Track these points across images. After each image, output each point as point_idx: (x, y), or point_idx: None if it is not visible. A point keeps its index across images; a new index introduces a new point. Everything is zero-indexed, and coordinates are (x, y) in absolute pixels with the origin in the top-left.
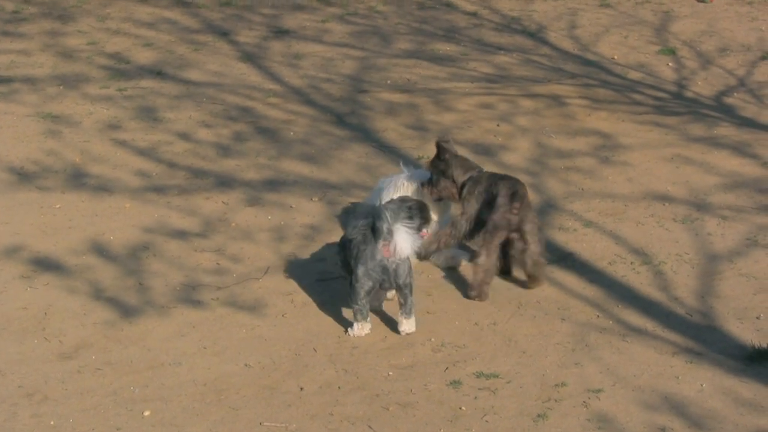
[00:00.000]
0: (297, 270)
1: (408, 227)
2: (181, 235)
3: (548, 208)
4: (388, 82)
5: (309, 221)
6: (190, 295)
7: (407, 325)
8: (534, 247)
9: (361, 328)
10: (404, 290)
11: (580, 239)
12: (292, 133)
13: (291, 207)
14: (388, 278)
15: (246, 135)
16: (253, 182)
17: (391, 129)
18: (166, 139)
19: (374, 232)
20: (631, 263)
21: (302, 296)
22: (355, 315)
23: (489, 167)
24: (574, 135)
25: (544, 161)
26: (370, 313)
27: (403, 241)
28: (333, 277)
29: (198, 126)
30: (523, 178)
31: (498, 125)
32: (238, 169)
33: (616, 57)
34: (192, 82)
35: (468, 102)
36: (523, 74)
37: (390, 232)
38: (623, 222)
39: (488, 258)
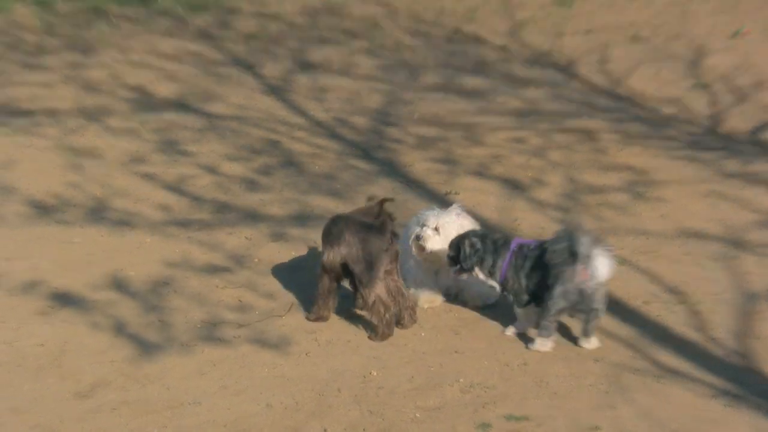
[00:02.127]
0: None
1: (606, 252)
2: (203, 270)
3: None
4: (416, 116)
5: None
6: (211, 333)
7: (593, 342)
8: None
9: (543, 344)
10: (595, 314)
11: (614, 277)
12: (317, 167)
13: (315, 242)
14: (583, 301)
15: (271, 169)
16: (277, 217)
17: (418, 163)
18: (189, 173)
19: (574, 255)
20: (667, 302)
21: (326, 334)
22: (540, 331)
23: (519, 203)
24: (607, 170)
25: (576, 197)
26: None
27: (602, 266)
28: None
29: (222, 159)
30: (554, 214)
31: (529, 160)
32: (262, 204)
33: (647, 92)
34: (216, 116)
35: (498, 136)
36: (554, 109)
37: (589, 257)
38: (658, 260)
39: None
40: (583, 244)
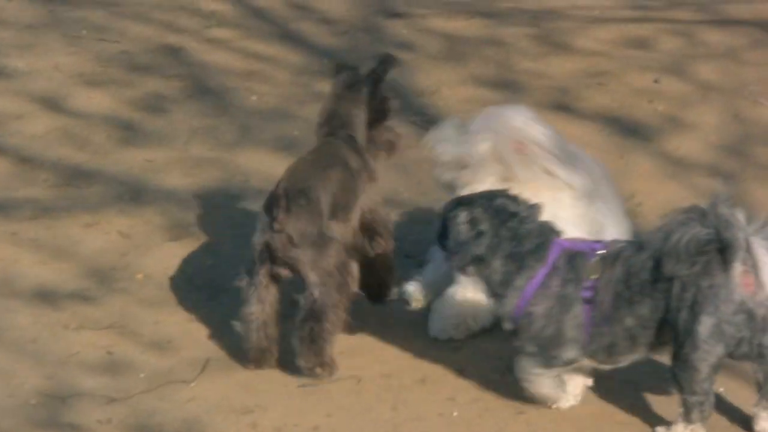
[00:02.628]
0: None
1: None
2: (39, 296)
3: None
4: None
5: None
6: (56, 415)
7: None
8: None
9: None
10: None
11: None
12: (255, 98)
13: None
14: (754, 335)
15: (167, 101)
16: (178, 191)
17: (447, 88)
18: (11, 110)
19: (725, 251)
20: None
21: (273, 414)
22: (686, 413)
23: (642, 156)
24: None
25: (749, 150)
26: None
27: None
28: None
29: (74, 83)
30: (706, 182)
31: (657, 81)
32: (151, 168)
33: None
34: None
35: (600, 35)
36: None
37: (749, 248)
38: None
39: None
40: (738, 227)
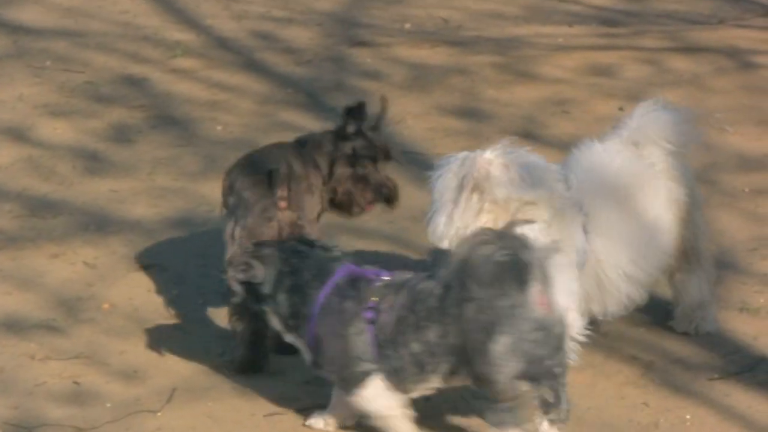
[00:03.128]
0: (230, 394)
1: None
2: (5, 326)
3: (722, 267)
4: (408, 25)
5: None
6: None
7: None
8: None
9: None
10: (560, 376)
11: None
12: (219, 128)
13: (219, 270)
14: (548, 353)
15: (131, 131)
16: (145, 222)
17: (412, 117)
18: None
19: (522, 271)
20: None
21: None
22: (501, 425)
23: None
24: None
25: (715, 177)
26: None
27: (560, 283)
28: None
29: (39, 114)
30: None
31: (622, 109)
32: (116, 198)
33: None
34: (25, 28)
35: (565, 63)
36: (672, 8)
37: (543, 269)
38: None
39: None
40: (534, 248)
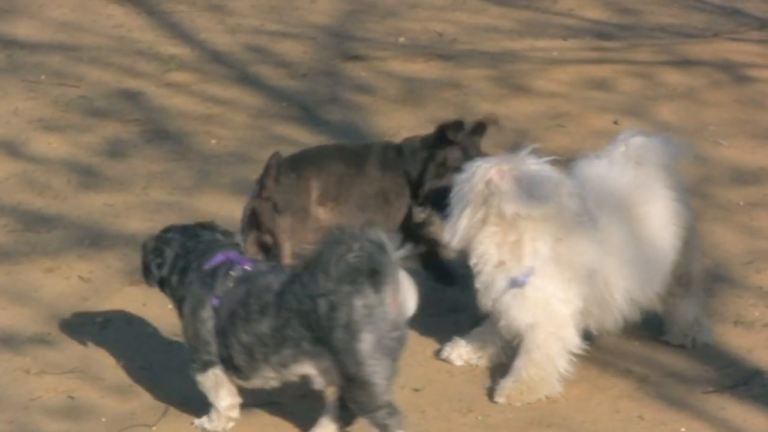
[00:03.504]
0: None
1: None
2: (1, 341)
3: (717, 280)
4: (402, 39)
5: None
6: None
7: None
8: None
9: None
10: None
11: None
12: (214, 142)
13: None
14: (399, 354)
15: (126, 146)
16: (139, 236)
17: (407, 131)
18: None
19: (377, 273)
20: None
21: None
22: (385, 429)
23: None
24: (767, 139)
25: (709, 191)
26: None
27: (411, 286)
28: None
29: (33, 128)
30: None
31: (616, 122)
32: (111, 213)
33: None
34: (19, 43)
35: (559, 77)
36: (667, 21)
37: (395, 272)
38: None
39: None
40: (388, 251)
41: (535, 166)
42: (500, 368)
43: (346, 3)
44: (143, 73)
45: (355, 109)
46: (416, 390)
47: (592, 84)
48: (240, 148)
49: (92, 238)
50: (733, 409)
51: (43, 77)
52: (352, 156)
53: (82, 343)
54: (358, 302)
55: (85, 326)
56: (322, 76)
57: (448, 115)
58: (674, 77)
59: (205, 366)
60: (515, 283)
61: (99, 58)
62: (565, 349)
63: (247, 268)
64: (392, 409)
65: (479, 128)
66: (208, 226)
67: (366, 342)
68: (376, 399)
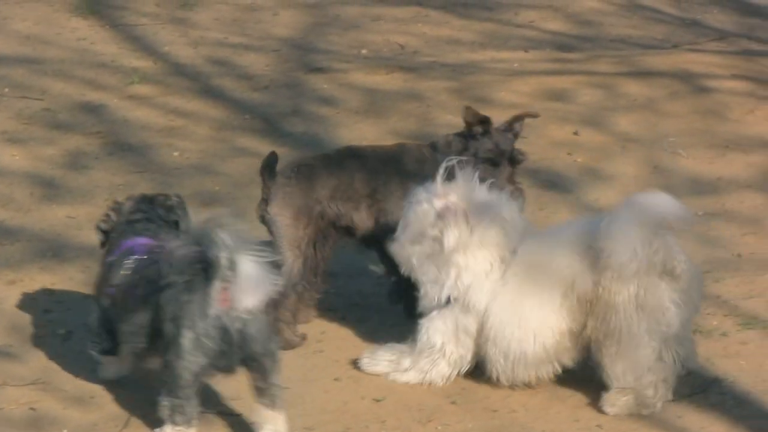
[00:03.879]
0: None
1: (259, 259)
2: None
3: None
4: (364, 51)
5: None
6: None
7: (276, 425)
8: None
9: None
10: (264, 364)
11: (736, 352)
12: (176, 154)
13: None
14: (231, 348)
15: (89, 158)
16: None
17: (369, 142)
18: None
19: (207, 268)
20: None
21: None
22: (170, 415)
23: (561, 207)
24: (725, 149)
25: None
26: None
27: (254, 282)
28: None
29: None
30: None
31: (576, 133)
32: (73, 225)
33: None
34: None
35: (520, 88)
36: (626, 33)
37: (232, 266)
38: None
39: None
40: (221, 246)
41: (482, 194)
42: (459, 379)
43: (309, 15)
44: (106, 86)
45: (318, 120)
46: (377, 400)
47: (553, 95)
48: (202, 160)
49: (55, 250)
50: (691, 417)
51: (6, 90)
52: (384, 155)
53: (45, 354)
54: (184, 297)
55: (47, 338)
56: (285, 88)
57: (410, 127)
58: (634, 88)
59: (101, 351)
60: (439, 304)
61: (62, 70)
62: (438, 376)
63: (143, 257)
64: (186, 403)
65: (514, 122)
66: (155, 201)
67: (186, 338)
68: (177, 389)
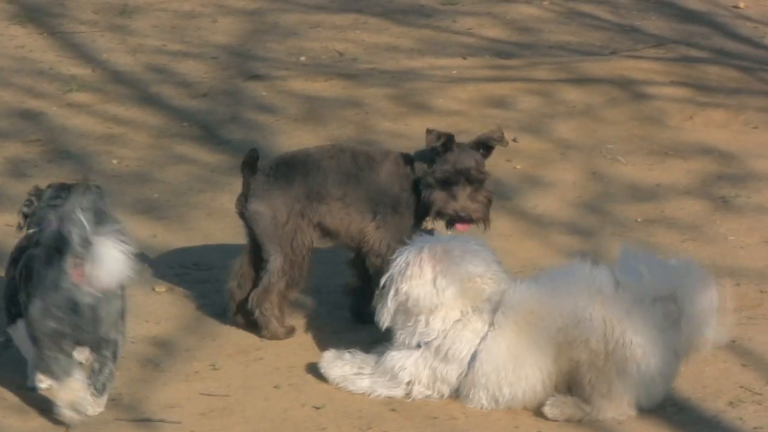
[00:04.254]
0: (125, 427)
1: (120, 240)
2: None
3: None
4: (303, 58)
5: (153, 332)
6: None
7: (95, 406)
8: None
9: (66, 388)
10: (104, 349)
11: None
12: (116, 162)
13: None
14: (83, 321)
15: (27, 166)
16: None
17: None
18: None
19: (61, 243)
20: None
21: None
22: (45, 370)
23: (501, 214)
24: (664, 156)
25: (607, 208)
26: None
27: (108, 263)
28: None
29: None
30: (565, 239)
31: (515, 140)
32: (12, 233)
33: (742, 5)
34: None
35: (458, 95)
36: (565, 39)
37: (87, 244)
38: (757, 323)
39: None
40: (76, 225)
41: (462, 252)
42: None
43: (248, 23)
44: (45, 94)
45: (257, 128)
46: (317, 408)
47: (492, 102)
48: (142, 168)
49: None
50: (631, 424)
51: None
52: (362, 160)
53: None
54: (42, 270)
55: None
56: (224, 95)
57: (349, 133)
58: (573, 95)
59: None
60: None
61: (1, 78)
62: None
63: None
64: (52, 362)
65: (479, 143)
66: (73, 188)
67: (35, 307)
68: (42, 350)
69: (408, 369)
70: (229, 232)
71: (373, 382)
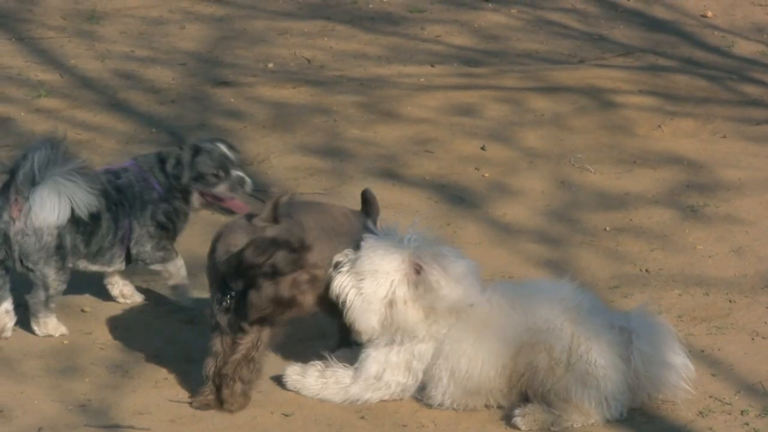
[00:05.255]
0: None
1: (69, 182)
2: None
3: None
4: (271, 65)
5: (122, 337)
6: None
7: (43, 328)
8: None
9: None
10: (33, 280)
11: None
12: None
13: (84, 311)
14: (10, 253)
15: None
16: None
17: (276, 156)
18: None
19: (9, 178)
20: (741, 412)
21: None
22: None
23: (469, 222)
24: (632, 165)
25: (575, 217)
26: None
27: (44, 204)
28: None
29: None
30: (533, 248)
31: (483, 148)
32: None
33: (710, 15)
34: None
35: (427, 103)
36: (533, 48)
37: (30, 183)
38: (726, 333)
39: None
40: (29, 164)
41: (448, 259)
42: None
43: (216, 29)
44: (13, 99)
45: (225, 134)
46: (286, 415)
47: (460, 110)
48: None
49: None
50: None
51: None
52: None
53: None
54: None
55: None
56: (192, 101)
57: (318, 141)
58: (541, 103)
59: None
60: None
61: None
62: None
63: None
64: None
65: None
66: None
67: None
68: None
69: (379, 359)
70: (197, 238)
71: (360, 388)
